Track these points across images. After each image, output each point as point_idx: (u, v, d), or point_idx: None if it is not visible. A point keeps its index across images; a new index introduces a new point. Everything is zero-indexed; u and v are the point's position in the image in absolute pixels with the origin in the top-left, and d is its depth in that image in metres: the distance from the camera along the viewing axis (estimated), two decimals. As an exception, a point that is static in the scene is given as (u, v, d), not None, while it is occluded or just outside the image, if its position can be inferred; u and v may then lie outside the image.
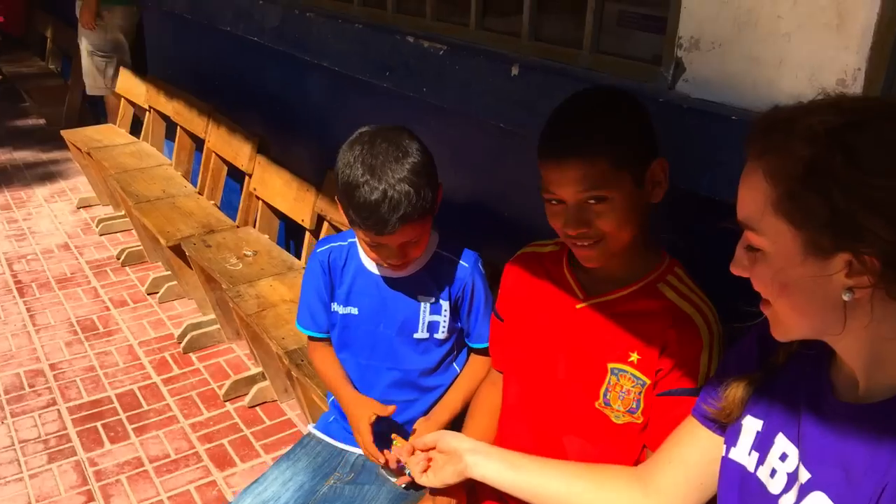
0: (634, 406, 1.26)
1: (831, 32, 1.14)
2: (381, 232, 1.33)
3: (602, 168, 1.17)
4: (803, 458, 0.91)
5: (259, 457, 2.42)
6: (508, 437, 1.43)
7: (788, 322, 0.87)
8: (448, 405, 1.57)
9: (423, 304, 1.52)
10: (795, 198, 0.77)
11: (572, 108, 1.25)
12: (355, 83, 2.44)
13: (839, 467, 0.86)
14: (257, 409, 2.66)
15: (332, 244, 1.59)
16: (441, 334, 1.55)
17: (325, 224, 2.57)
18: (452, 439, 1.27)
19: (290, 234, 3.21)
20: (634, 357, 1.25)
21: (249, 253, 2.80)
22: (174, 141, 3.77)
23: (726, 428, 1.07)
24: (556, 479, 1.16)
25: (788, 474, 0.94)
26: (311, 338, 1.67)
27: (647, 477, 1.12)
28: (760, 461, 0.99)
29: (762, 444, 1.00)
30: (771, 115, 0.84)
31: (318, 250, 1.60)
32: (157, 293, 3.40)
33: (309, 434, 1.69)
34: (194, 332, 3.03)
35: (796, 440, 0.94)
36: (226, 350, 3.03)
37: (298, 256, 2.80)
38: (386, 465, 1.44)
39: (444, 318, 1.54)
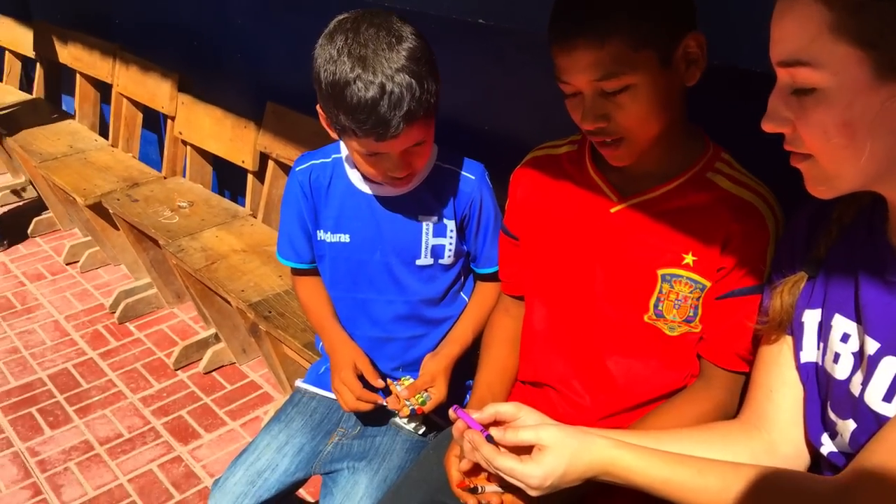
0: (692, 314, 1.11)
1: None
2: (382, 136, 1.10)
3: (618, 49, 0.96)
4: (868, 330, 0.82)
5: (225, 425, 2.19)
6: (538, 367, 1.26)
7: (841, 171, 0.75)
8: (457, 338, 1.38)
9: (424, 225, 1.31)
10: (863, 11, 0.67)
11: None
12: (291, -2, 2.15)
13: None
14: (214, 374, 2.41)
15: (313, 161, 1.35)
16: (447, 259, 1.35)
17: (271, 163, 2.30)
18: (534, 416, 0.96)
19: (225, 183, 2.91)
20: (689, 259, 1.09)
21: (184, 204, 2.50)
22: (74, 91, 3.34)
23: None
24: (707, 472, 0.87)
25: (854, 353, 0.85)
26: (293, 270, 1.45)
27: (754, 420, 0.99)
28: (824, 352, 0.90)
29: (823, 334, 0.90)
30: None
31: (297, 168, 1.35)
32: (76, 262, 3.05)
33: (298, 390, 1.48)
34: (128, 300, 2.72)
35: (854, 316, 0.85)
36: (167, 315, 2.74)
37: (242, 204, 2.52)
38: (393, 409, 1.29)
39: (449, 241, 1.34)
